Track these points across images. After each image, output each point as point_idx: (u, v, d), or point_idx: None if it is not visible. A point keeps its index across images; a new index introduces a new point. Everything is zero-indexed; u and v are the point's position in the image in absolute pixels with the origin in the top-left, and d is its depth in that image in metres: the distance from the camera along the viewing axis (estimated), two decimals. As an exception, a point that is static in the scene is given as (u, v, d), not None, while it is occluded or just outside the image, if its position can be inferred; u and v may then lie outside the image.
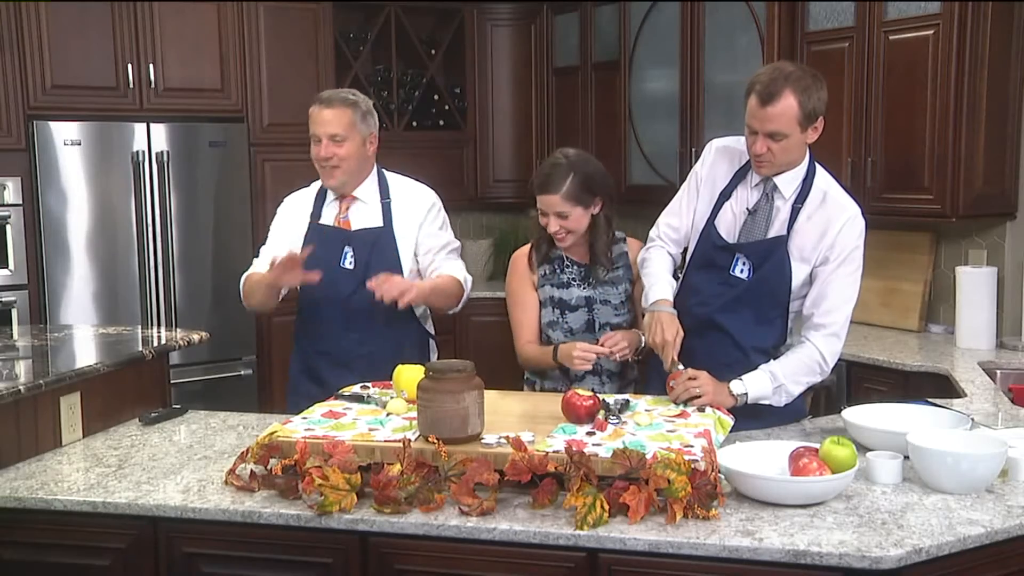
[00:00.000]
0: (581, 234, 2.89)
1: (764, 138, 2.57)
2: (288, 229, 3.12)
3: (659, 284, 2.76)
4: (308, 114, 3.02)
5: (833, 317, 2.66)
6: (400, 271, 3.02)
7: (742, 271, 2.71)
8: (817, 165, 2.72)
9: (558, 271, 2.94)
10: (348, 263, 3.03)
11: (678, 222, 2.85)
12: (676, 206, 2.87)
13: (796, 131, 2.56)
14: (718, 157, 2.80)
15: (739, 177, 2.75)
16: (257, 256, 3.17)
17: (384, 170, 3.17)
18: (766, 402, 2.64)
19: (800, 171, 2.68)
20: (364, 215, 3.08)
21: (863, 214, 2.70)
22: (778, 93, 2.52)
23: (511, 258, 3.07)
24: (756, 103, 2.55)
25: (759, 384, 2.62)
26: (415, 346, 3.10)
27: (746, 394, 2.60)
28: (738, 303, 2.72)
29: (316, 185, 3.16)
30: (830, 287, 2.65)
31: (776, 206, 2.69)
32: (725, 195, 2.76)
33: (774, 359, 2.68)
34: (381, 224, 3.06)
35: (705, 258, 2.78)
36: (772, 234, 2.69)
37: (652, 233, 2.92)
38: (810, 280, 2.68)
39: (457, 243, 3.17)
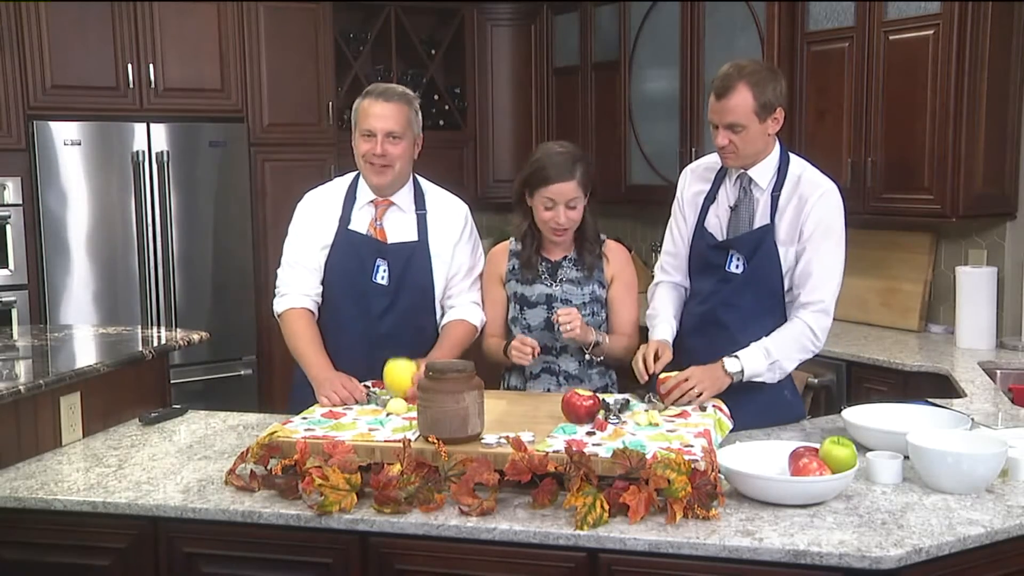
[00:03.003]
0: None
1: (724, 131, 2.66)
2: (313, 231, 2.90)
3: (660, 326, 2.86)
4: (359, 106, 2.83)
5: (820, 294, 2.70)
6: (432, 291, 2.92)
7: (737, 266, 2.77)
8: (791, 153, 2.80)
9: (527, 267, 2.93)
10: (381, 278, 2.86)
11: (674, 249, 2.94)
12: (669, 236, 2.96)
13: (754, 122, 2.64)
14: (692, 177, 2.91)
15: (719, 180, 2.83)
16: (281, 267, 2.95)
17: (418, 177, 3.00)
18: (759, 379, 2.66)
19: (772, 160, 2.75)
20: (399, 225, 2.90)
21: (840, 190, 2.76)
22: (732, 87, 2.63)
23: (487, 254, 3.06)
24: (714, 98, 2.67)
25: (754, 360, 2.63)
26: None
27: (742, 371, 2.62)
28: (735, 296, 2.77)
29: (341, 183, 2.97)
30: (813, 264, 2.69)
31: (755, 198, 2.76)
32: (710, 199, 2.84)
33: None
34: (416, 238, 2.90)
35: (701, 260, 2.85)
36: (757, 225, 2.75)
37: (656, 269, 3.01)
38: (795, 260, 2.72)
39: (481, 265, 3.03)
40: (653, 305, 2.95)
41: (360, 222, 2.91)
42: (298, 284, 2.90)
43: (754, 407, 2.67)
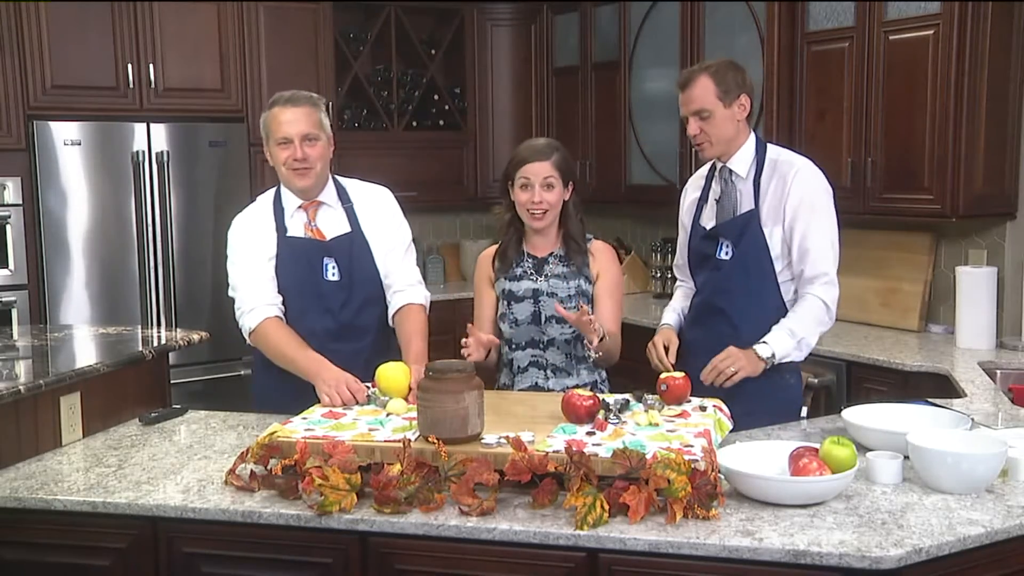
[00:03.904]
0: (554, 217, 2.94)
1: (694, 120, 2.85)
2: (256, 246, 2.93)
3: (666, 313, 3.12)
4: (267, 117, 2.88)
5: (822, 266, 2.83)
6: (377, 276, 2.99)
7: (726, 253, 2.92)
8: (768, 143, 2.96)
9: (514, 265, 3.00)
10: (332, 274, 2.93)
11: (680, 261, 3.16)
12: (678, 249, 3.17)
13: (719, 107, 2.83)
14: (690, 188, 3.12)
15: (709, 180, 3.00)
16: (234, 289, 2.96)
17: (335, 176, 3.06)
18: (789, 359, 2.80)
19: (749, 150, 2.90)
20: (332, 221, 2.97)
21: (823, 171, 2.90)
22: (692, 78, 2.85)
23: (478, 258, 3.13)
24: (679, 92, 2.89)
25: (782, 342, 2.77)
26: (394, 350, 2.99)
27: (773, 355, 2.75)
28: (727, 282, 2.90)
29: (264, 200, 3.02)
30: (808, 239, 2.82)
31: (738, 188, 2.90)
32: (703, 199, 3.01)
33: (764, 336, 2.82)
34: (350, 229, 2.97)
35: (697, 253, 3.01)
36: (743, 211, 2.88)
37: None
38: (788, 243, 2.84)
39: (410, 238, 3.10)
40: (667, 305, 3.16)
41: (296, 228, 2.96)
42: (261, 297, 2.91)
43: (755, 386, 2.76)
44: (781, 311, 2.86)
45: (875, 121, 4.08)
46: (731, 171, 2.91)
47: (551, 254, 2.99)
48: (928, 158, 3.91)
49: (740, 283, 2.88)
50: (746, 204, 2.88)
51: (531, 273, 2.98)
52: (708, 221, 2.97)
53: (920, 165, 3.94)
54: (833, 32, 4.24)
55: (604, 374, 3.03)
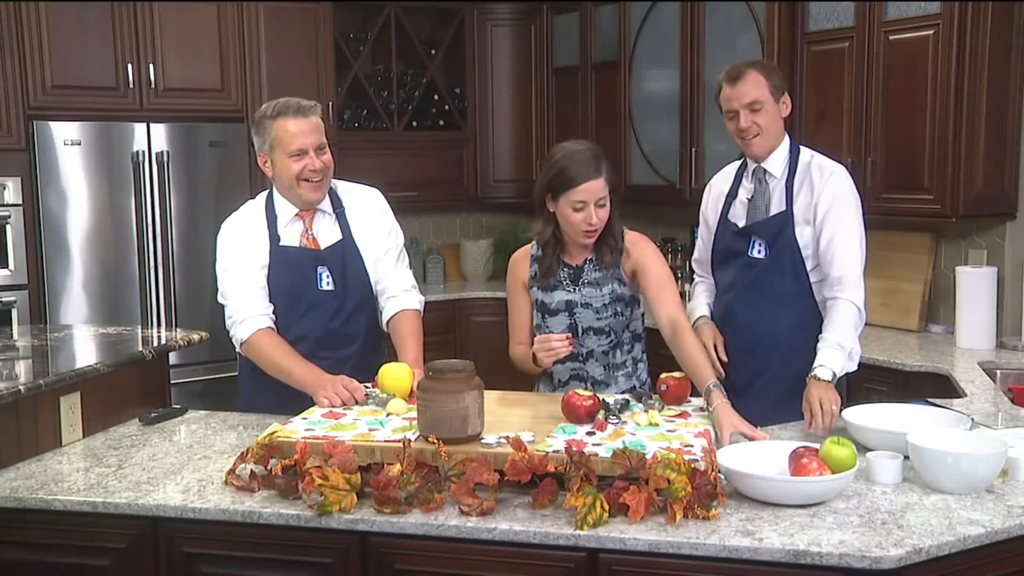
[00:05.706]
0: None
1: (745, 113, 2.84)
2: (249, 253, 2.90)
3: (698, 307, 3.09)
4: (273, 127, 2.81)
5: (848, 268, 2.82)
6: (368, 281, 2.96)
7: (760, 251, 2.92)
8: (800, 145, 2.98)
9: (547, 275, 2.87)
10: (327, 284, 2.91)
11: (700, 256, 3.17)
12: (698, 244, 3.19)
13: (770, 100, 2.84)
14: (715, 183, 3.12)
15: (738, 178, 3.01)
16: (224, 296, 2.94)
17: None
18: (845, 371, 2.77)
19: (784, 151, 2.92)
20: (326, 229, 2.94)
21: (851, 174, 2.92)
22: (744, 71, 2.85)
23: (510, 259, 3.01)
24: (728, 87, 2.87)
25: (836, 360, 2.71)
26: (383, 354, 2.99)
27: (834, 374, 2.67)
28: (760, 280, 2.92)
29: (255, 206, 2.97)
30: (834, 243, 2.82)
31: (770, 188, 2.91)
32: (732, 195, 3.01)
33: (798, 335, 2.84)
34: (341, 236, 2.94)
35: (726, 248, 3.01)
36: (773, 212, 2.90)
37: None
38: (817, 244, 2.84)
39: (402, 241, 3.06)
40: (690, 303, 3.15)
41: (290, 237, 2.92)
42: (253, 306, 2.89)
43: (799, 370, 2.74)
44: (813, 311, 2.87)
45: (875, 121, 4.08)
46: (765, 171, 2.91)
47: (587, 260, 2.84)
48: (928, 158, 3.91)
49: (774, 284, 2.89)
50: (777, 204, 2.90)
51: (566, 283, 2.84)
52: (738, 219, 2.98)
53: (920, 165, 3.94)
54: (833, 32, 4.24)
55: (643, 376, 2.92)
